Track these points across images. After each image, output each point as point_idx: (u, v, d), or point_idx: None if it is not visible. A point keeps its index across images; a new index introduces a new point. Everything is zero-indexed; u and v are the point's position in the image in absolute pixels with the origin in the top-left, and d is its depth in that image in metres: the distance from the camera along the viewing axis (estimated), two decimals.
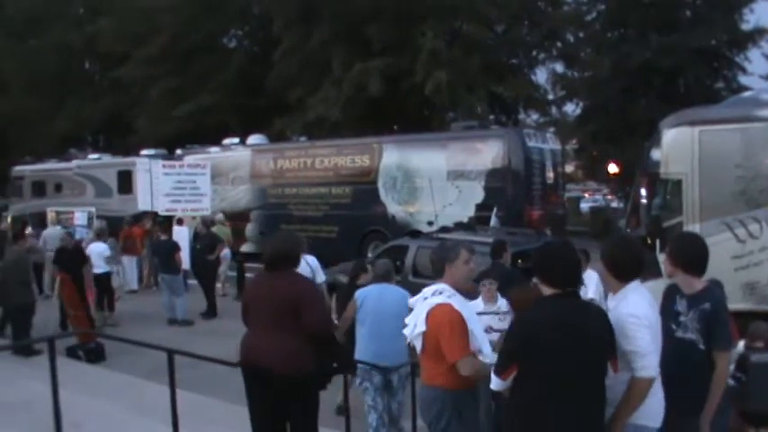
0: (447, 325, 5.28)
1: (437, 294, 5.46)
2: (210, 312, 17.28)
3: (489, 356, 5.42)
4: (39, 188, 36.33)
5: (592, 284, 9.85)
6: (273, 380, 6.00)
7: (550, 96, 35.60)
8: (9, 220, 31.47)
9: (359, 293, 8.51)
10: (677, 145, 12.23)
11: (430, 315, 5.39)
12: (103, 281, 16.20)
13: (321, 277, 13.12)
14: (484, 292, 8.44)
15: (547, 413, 4.26)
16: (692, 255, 5.29)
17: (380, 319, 7.93)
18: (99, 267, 16.39)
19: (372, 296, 8.39)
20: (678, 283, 5.27)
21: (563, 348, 4.21)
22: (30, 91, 46.39)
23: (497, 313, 8.25)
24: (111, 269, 17.07)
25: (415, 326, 5.55)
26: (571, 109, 37.52)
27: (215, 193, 24.23)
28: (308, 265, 12.61)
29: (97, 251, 16.68)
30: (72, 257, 15.40)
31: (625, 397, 4.44)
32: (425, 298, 5.52)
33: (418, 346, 5.58)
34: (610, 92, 30.94)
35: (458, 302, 5.40)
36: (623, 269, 4.70)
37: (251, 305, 6.36)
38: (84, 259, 15.62)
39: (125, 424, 8.88)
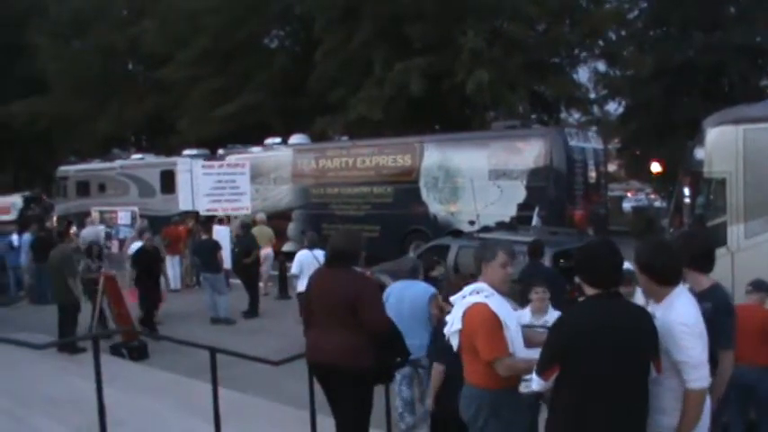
0: (481, 325, 5.28)
1: (474, 294, 5.47)
2: (252, 311, 17.36)
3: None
4: (83, 188, 36.68)
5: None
6: (334, 375, 6.20)
7: (592, 95, 35.36)
8: (55, 219, 31.84)
9: (387, 290, 8.64)
10: (721, 144, 12.10)
11: (466, 314, 5.41)
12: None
13: None
14: (534, 301, 8.23)
15: (588, 414, 4.25)
16: (697, 251, 5.26)
17: (400, 315, 7.99)
18: None
19: (395, 292, 8.55)
20: (687, 280, 5.22)
21: (605, 349, 4.20)
22: (74, 92, 46.82)
23: (545, 327, 7.18)
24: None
25: (452, 323, 5.58)
26: (613, 108, 37.40)
27: (257, 193, 24.38)
28: (316, 259, 13.41)
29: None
30: (153, 258, 15.78)
31: (684, 411, 4.36)
32: (464, 296, 5.54)
33: (455, 343, 5.61)
34: (652, 90, 30.75)
35: (495, 302, 5.37)
36: (666, 274, 4.61)
37: (312, 301, 6.50)
38: (160, 260, 16.02)
39: (168, 421, 8.95)
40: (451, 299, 5.80)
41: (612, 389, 4.20)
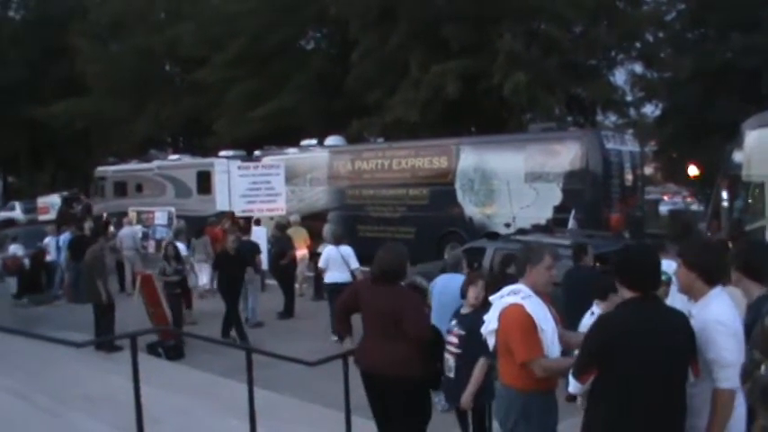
0: (516, 325, 5.33)
1: (512, 294, 5.50)
2: (287, 312, 17.42)
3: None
4: (120, 188, 36.99)
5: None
6: (383, 383, 6.44)
7: (629, 97, 35.10)
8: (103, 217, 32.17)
9: (433, 281, 8.83)
10: (760, 147, 12.00)
11: (502, 314, 5.47)
12: (184, 279, 16.40)
13: (354, 264, 15.04)
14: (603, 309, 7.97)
15: (625, 417, 4.24)
16: (749, 259, 5.22)
17: (442, 306, 8.13)
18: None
19: (438, 287, 8.71)
20: (738, 286, 5.18)
21: (643, 352, 4.20)
22: (112, 94, 47.24)
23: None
24: (187, 268, 17.33)
25: (489, 323, 5.68)
26: (650, 110, 37.11)
27: (292, 194, 24.44)
28: (341, 254, 15.07)
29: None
30: (238, 261, 15.50)
31: (712, 411, 4.34)
32: (502, 296, 5.58)
33: (491, 342, 5.72)
34: (690, 93, 30.47)
35: (532, 304, 5.39)
36: (716, 273, 4.59)
37: (362, 313, 6.78)
38: (244, 262, 15.73)
39: (203, 421, 9.02)
40: (491, 298, 5.85)
41: (649, 392, 4.19)
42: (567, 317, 7.15)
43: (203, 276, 18.50)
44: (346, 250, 15.31)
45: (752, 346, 3.21)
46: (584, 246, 10.72)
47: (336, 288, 14.65)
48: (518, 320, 5.33)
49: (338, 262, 15.13)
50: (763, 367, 3.03)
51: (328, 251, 15.50)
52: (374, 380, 6.55)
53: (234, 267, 15.21)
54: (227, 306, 14.95)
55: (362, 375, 6.76)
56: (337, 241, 15.69)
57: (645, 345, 4.20)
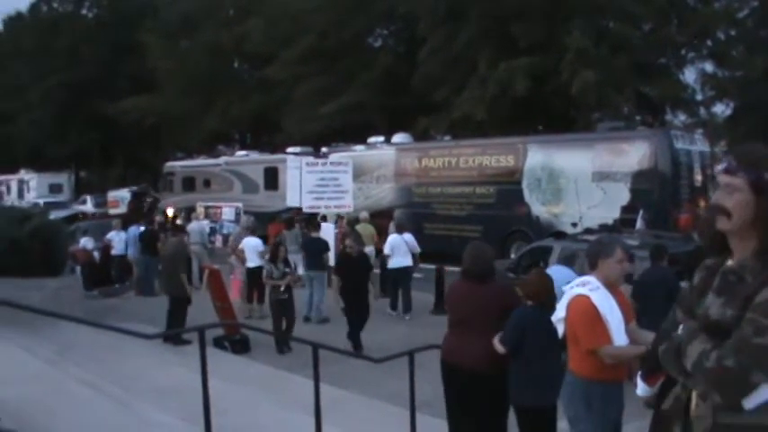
0: (581, 315, 5.54)
1: (581, 285, 5.68)
2: None
3: None
4: (188, 183, 37.48)
5: None
6: (472, 378, 6.49)
7: (699, 96, 34.65)
8: (169, 212, 32.61)
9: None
10: None
11: (569, 304, 5.68)
12: (256, 275, 16.54)
13: (417, 249, 17.53)
14: None
15: None
16: None
17: None
18: (252, 261, 16.90)
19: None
20: None
21: None
22: (182, 90, 47.86)
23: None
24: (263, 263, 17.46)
25: (558, 311, 5.99)
26: (720, 109, 36.57)
27: (359, 191, 24.50)
28: (404, 241, 17.11)
29: (251, 245, 17.21)
30: (360, 265, 14.35)
31: None
32: (572, 287, 5.79)
33: (560, 330, 5.95)
34: (762, 92, 30.00)
35: (599, 296, 5.53)
36: None
37: (453, 311, 6.96)
38: (369, 268, 14.99)
39: (268, 414, 9.09)
40: (563, 288, 6.09)
41: None
42: (643, 316, 7.15)
43: (300, 268, 18.40)
44: (409, 237, 17.39)
45: (677, 306, 3.16)
46: (663, 247, 10.68)
47: (400, 272, 16.71)
48: (583, 310, 5.52)
49: (402, 248, 16.89)
50: (680, 327, 2.99)
51: (392, 239, 17.24)
52: (460, 375, 6.58)
53: (357, 271, 14.10)
54: (359, 319, 13.85)
55: (447, 371, 6.78)
56: (399, 229, 17.58)
57: None
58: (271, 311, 14.34)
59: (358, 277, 13.94)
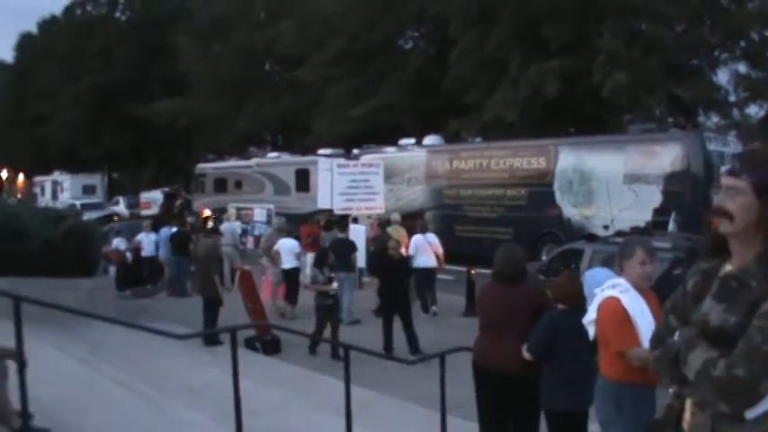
0: (611, 317, 5.51)
1: (611, 288, 5.66)
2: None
3: None
4: (220, 185, 37.69)
5: None
6: (504, 381, 6.51)
7: (732, 98, 34.34)
8: (206, 212, 32.78)
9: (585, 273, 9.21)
10: None
11: (600, 306, 5.66)
12: (292, 275, 16.57)
13: (440, 249, 17.47)
14: None
15: None
16: None
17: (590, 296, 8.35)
18: (288, 263, 17.06)
19: (587, 278, 8.80)
20: None
21: None
22: (214, 92, 48.10)
23: None
24: (299, 264, 17.55)
25: (590, 313, 5.88)
26: (754, 111, 36.22)
27: (390, 193, 24.51)
28: (428, 241, 17.31)
29: (287, 247, 17.34)
30: (401, 268, 14.44)
31: None
32: (603, 290, 5.75)
33: (591, 332, 5.85)
34: None
35: (629, 298, 5.51)
36: None
37: (484, 313, 7.00)
38: (408, 273, 14.98)
39: (299, 415, 9.10)
40: (595, 290, 6.01)
41: None
42: None
43: None
44: (432, 237, 17.63)
45: (669, 312, 3.10)
46: (696, 250, 10.70)
47: (425, 272, 16.81)
48: (612, 312, 5.50)
49: (426, 248, 17.04)
50: (676, 334, 2.94)
51: (416, 239, 17.48)
52: (492, 377, 6.60)
53: (397, 274, 14.05)
54: (404, 321, 13.59)
55: (479, 374, 6.81)
56: (423, 229, 17.80)
57: None
58: (315, 316, 13.90)
59: (398, 280, 13.91)
